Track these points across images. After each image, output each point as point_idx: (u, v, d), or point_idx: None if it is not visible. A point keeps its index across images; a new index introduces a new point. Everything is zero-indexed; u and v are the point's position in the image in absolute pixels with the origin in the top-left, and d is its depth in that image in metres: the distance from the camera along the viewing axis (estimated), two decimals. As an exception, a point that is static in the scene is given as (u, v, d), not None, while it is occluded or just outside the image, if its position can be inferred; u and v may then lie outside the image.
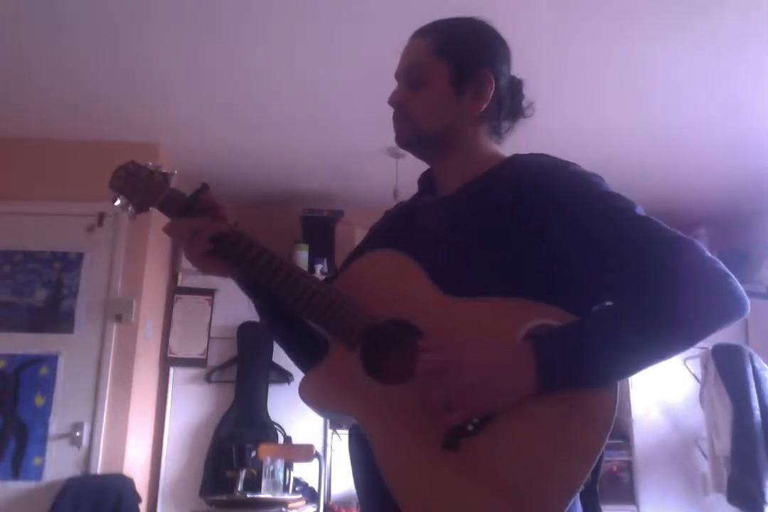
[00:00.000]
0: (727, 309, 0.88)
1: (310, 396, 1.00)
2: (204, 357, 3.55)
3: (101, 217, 3.16)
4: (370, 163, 3.36)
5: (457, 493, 0.86)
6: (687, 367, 3.58)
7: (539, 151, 1.14)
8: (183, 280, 3.56)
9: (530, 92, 1.18)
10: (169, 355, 3.54)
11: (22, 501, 2.82)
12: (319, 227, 3.90)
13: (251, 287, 1.13)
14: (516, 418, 0.87)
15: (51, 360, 3.01)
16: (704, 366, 3.48)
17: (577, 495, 0.84)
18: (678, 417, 3.64)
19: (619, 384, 0.88)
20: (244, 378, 3.52)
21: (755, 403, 3.24)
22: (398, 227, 1.16)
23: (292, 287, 1.02)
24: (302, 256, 3.79)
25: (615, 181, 1.06)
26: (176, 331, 3.56)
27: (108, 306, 3.09)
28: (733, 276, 0.89)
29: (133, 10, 2.26)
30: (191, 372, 3.54)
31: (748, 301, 0.89)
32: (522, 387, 0.87)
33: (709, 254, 0.90)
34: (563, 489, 0.82)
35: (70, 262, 3.14)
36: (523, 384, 0.86)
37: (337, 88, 2.75)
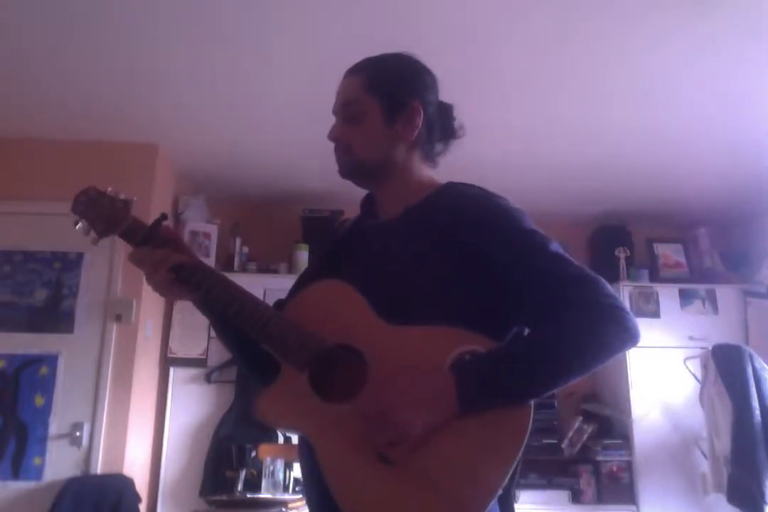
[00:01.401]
0: (621, 340, 1.01)
1: (264, 414, 1.10)
2: (204, 357, 3.55)
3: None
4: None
5: (394, 500, 0.98)
6: (687, 367, 3.58)
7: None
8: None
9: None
10: (169, 355, 3.54)
11: (22, 501, 2.82)
12: (319, 227, 3.89)
13: (207, 308, 1.21)
14: (443, 433, 0.98)
15: (51, 360, 3.01)
16: (704, 366, 3.48)
17: (497, 496, 0.96)
18: (678, 417, 3.64)
19: (533, 401, 0.99)
20: (244, 378, 3.51)
21: (755, 403, 3.24)
22: (342, 251, 1.25)
23: (246, 314, 1.11)
24: (302, 256, 3.77)
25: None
26: (176, 331, 3.56)
27: (108, 306, 3.09)
28: (628, 309, 1.02)
29: (134, 10, 2.26)
30: (191, 372, 3.54)
31: (640, 333, 1.02)
32: (445, 412, 0.98)
33: (609, 290, 1.03)
34: (485, 493, 0.94)
35: (70, 262, 3.14)
36: (445, 409, 0.98)
37: (337, 88, 2.75)
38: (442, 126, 1.24)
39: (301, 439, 1.14)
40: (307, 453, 1.09)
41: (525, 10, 2.23)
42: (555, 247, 1.07)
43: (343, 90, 1.25)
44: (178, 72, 2.66)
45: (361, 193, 1.33)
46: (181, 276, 1.14)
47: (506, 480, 0.95)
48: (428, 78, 1.25)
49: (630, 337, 1.01)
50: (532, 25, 2.31)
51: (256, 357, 1.21)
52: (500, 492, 0.95)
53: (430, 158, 1.25)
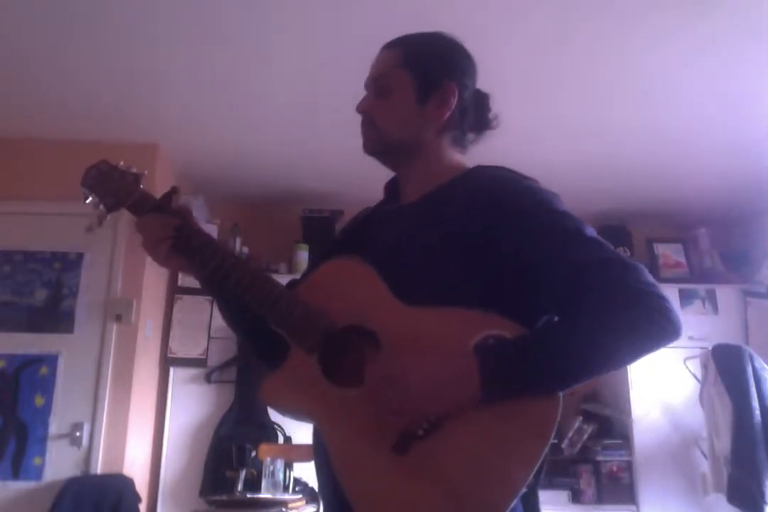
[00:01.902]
0: (661, 333, 0.91)
1: (271, 398, 1.05)
2: (204, 357, 3.54)
3: (101, 217, 3.16)
4: (370, 163, 3.36)
5: (405, 494, 0.90)
6: (687, 367, 3.58)
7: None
8: (183, 280, 3.54)
9: (496, 104, 1.20)
10: (169, 355, 3.54)
11: (22, 501, 2.82)
12: (319, 227, 3.89)
13: (214, 286, 1.15)
14: (463, 424, 0.90)
15: (51, 360, 3.01)
16: (704, 366, 3.48)
17: (520, 495, 0.88)
18: (678, 417, 3.64)
19: (561, 394, 0.92)
20: (243, 378, 3.51)
21: (755, 403, 3.24)
22: (362, 234, 1.21)
23: (256, 292, 1.06)
24: (302, 256, 3.78)
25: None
26: (176, 331, 3.56)
27: (108, 306, 3.09)
28: (669, 300, 0.92)
29: (134, 10, 2.26)
30: (191, 372, 3.53)
31: (682, 326, 0.92)
32: (466, 397, 0.90)
33: (650, 277, 0.94)
34: (506, 492, 0.86)
35: (70, 262, 3.14)
36: (466, 394, 0.90)
37: (337, 88, 2.75)
38: (476, 114, 1.19)
39: (314, 425, 1.09)
40: (318, 441, 1.04)
41: (525, 10, 2.23)
42: (590, 231, 1.00)
43: (377, 64, 1.20)
44: (178, 72, 2.66)
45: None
46: (190, 245, 1.08)
47: (531, 478, 0.87)
48: (467, 62, 1.21)
49: (673, 331, 0.91)
50: (532, 25, 2.31)
51: (263, 339, 1.16)
52: (524, 490, 0.87)
53: (461, 144, 1.19)
